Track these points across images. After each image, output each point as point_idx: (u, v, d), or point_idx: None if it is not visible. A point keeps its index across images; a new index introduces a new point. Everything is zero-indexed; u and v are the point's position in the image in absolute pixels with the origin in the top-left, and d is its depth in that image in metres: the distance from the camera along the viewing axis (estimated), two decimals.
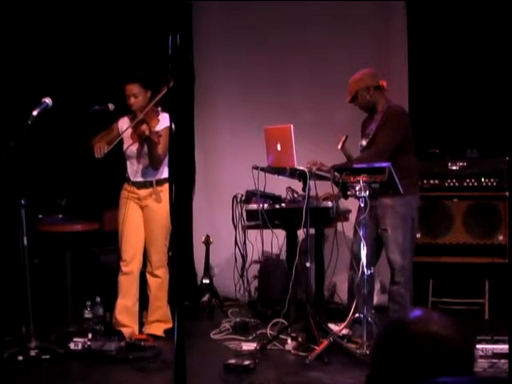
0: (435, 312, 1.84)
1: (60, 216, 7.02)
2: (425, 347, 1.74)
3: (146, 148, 6.32)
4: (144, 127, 6.21)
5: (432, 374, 1.69)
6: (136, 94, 6.34)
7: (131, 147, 6.43)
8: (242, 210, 6.85)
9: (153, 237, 6.45)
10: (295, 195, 6.69)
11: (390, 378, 1.76)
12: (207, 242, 7.60)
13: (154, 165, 6.33)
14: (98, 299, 6.37)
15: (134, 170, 6.47)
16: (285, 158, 6.24)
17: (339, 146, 6.31)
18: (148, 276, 6.52)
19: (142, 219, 6.49)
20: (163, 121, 6.25)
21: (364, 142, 6.29)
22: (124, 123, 6.49)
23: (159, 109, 6.37)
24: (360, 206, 5.86)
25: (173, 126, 2.87)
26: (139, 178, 6.46)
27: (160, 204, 6.35)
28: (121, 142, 6.44)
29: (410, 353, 1.75)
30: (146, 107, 6.29)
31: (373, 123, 6.27)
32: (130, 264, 6.44)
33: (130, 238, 6.44)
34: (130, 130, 6.41)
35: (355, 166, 5.94)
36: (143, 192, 6.45)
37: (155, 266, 6.46)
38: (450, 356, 1.74)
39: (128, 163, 6.50)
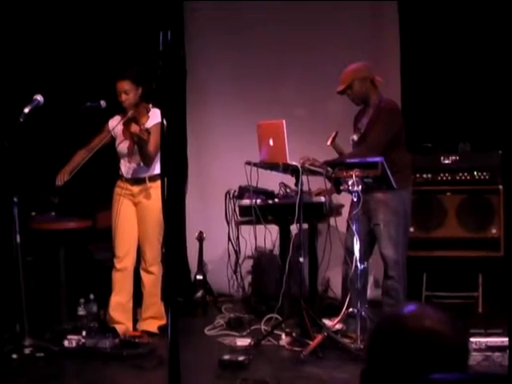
0: (430, 306, 1.84)
1: (53, 213, 6.99)
2: (420, 342, 1.74)
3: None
4: (133, 127, 6.22)
5: (427, 369, 1.69)
6: (127, 91, 6.34)
7: (123, 144, 6.44)
8: (234, 205, 6.84)
9: (146, 233, 6.45)
10: (288, 190, 6.69)
11: (386, 372, 1.76)
12: (200, 238, 7.61)
13: (146, 162, 6.33)
14: (91, 296, 6.37)
15: (126, 167, 6.47)
16: (277, 153, 6.24)
17: (328, 143, 6.31)
18: (142, 273, 6.52)
19: (135, 216, 6.49)
20: (154, 117, 6.25)
21: (355, 137, 6.29)
22: (115, 121, 6.49)
23: (150, 105, 6.36)
24: (353, 200, 5.87)
25: (164, 121, 2.87)
26: (132, 175, 6.46)
27: (153, 200, 6.34)
28: (113, 140, 6.47)
29: (404, 348, 1.74)
30: (137, 104, 6.31)
31: (364, 118, 6.28)
32: (124, 260, 6.44)
33: (123, 234, 6.45)
34: (121, 127, 6.41)
35: (348, 160, 5.94)
36: (136, 188, 6.45)
37: (149, 262, 6.46)
38: (445, 351, 1.74)
39: (121, 160, 6.51)
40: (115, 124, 6.45)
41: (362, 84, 6.24)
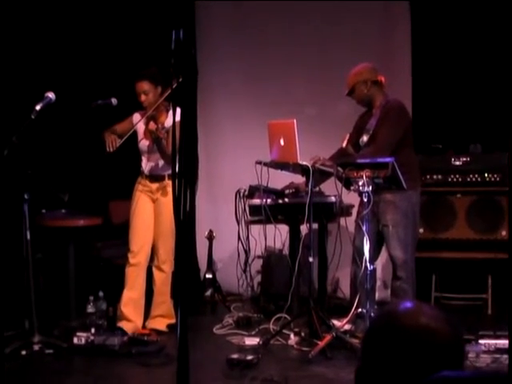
0: (426, 305, 1.82)
1: (63, 211, 7.01)
2: (415, 339, 1.72)
3: None
4: (151, 125, 6.25)
5: (422, 367, 1.68)
6: (146, 91, 6.37)
7: (144, 142, 6.51)
8: (244, 204, 6.85)
9: (161, 230, 6.45)
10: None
11: (380, 370, 1.75)
12: (210, 237, 7.61)
13: (165, 160, 6.34)
14: (100, 294, 6.37)
15: (147, 164, 6.52)
16: (288, 152, 6.23)
17: (344, 144, 6.33)
18: (154, 270, 6.53)
19: (152, 212, 6.51)
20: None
21: (365, 138, 6.28)
22: (137, 119, 6.53)
23: (169, 104, 6.37)
24: (362, 201, 5.87)
25: (177, 118, 2.88)
26: (151, 172, 6.50)
27: (170, 198, 6.32)
28: (133, 136, 6.47)
29: (399, 345, 1.73)
30: (156, 103, 6.31)
31: (372, 119, 6.27)
32: (138, 255, 6.44)
33: (139, 229, 6.47)
34: (142, 126, 6.45)
35: (358, 161, 5.94)
36: (155, 185, 6.49)
37: (162, 259, 6.47)
38: (440, 349, 1.72)
39: (142, 157, 6.56)
40: (137, 122, 6.47)
41: (364, 87, 6.25)
